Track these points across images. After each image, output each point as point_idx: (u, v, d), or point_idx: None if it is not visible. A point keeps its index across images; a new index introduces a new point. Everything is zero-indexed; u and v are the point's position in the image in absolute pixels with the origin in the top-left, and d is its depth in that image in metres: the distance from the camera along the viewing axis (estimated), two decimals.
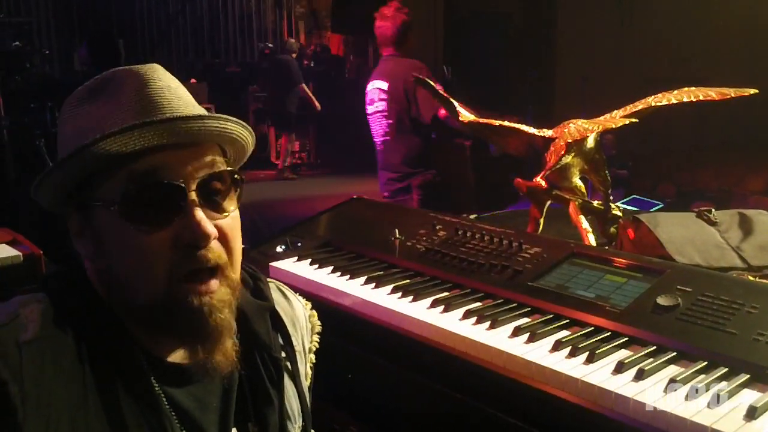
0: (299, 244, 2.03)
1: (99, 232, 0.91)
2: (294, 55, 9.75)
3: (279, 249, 2.01)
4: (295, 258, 1.94)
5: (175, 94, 0.94)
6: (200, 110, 0.94)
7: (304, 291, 1.25)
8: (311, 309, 1.20)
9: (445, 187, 3.86)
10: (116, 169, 0.88)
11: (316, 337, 1.18)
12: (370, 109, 3.91)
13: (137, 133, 0.86)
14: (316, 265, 1.87)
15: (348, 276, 1.78)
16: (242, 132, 0.98)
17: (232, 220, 0.95)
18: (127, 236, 0.88)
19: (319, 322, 1.20)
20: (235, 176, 0.96)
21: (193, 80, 9.77)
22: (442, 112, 3.53)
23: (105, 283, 0.92)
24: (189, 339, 0.91)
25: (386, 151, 3.90)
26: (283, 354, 1.07)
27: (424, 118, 3.71)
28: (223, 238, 0.92)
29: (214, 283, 0.90)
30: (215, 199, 0.93)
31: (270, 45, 11.04)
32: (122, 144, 0.86)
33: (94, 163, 0.88)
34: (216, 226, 0.91)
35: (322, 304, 1.26)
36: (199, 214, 0.89)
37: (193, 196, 0.89)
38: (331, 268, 1.84)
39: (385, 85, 3.83)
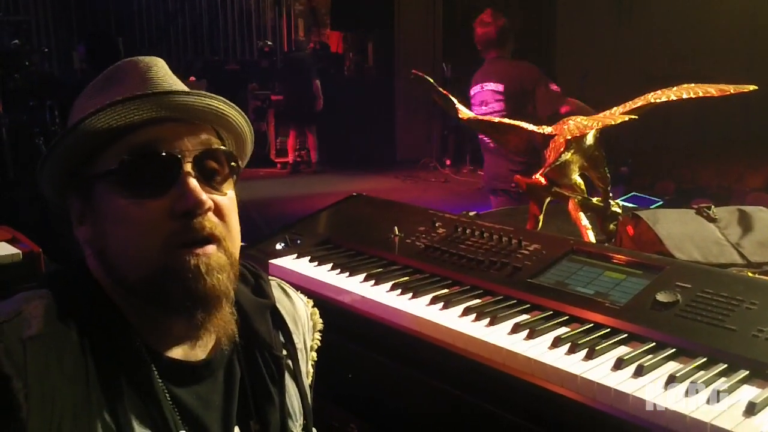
0: (298, 242, 2.03)
1: (96, 209, 0.91)
2: (308, 51, 9.86)
3: (278, 246, 2.01)
4: (295, 255, 1.94)
5: (176, 80, 0.97)
6: None
7: (303, 288, 1.25)
8: (313, 307, 1.20)
9: None
10: (114, 143, 0.89)
11: (317, 335, 1.18)
12: (483, 109, 4.05)
13: (137, 104, 0.88)
14: (316, 263, 1.87)
15: (347, 273, 1.78)
16: (239, 118, 0.99)
17: (229, 200, 0.95)
18: (123, 206, 0.89)
19: (321, 320, 1.20)
20: (232, 161, 0.96)
21: (192, 78, 9.76)
22: (564, 109, 3.68)
23: (104, 266, 0.92)
24: (188, 304, 0.89)
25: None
26: (285, 352, 1.07)
27: (540, 116, 3.79)
28: (220, 214, 0.93)
29: (210, 248, 0.90)
30: (211, 177, 0.93)
31: (269, 43, 11.02)
32: (120, 116, 0.88)
33: (92, 138, 0.89)
34: (212, 201, 0.91)
35: (322, 301, 1.26)
36: (194, 182, 0.90)
37: (189, 168, 0.90)
38: (331, 265, 1.84)
39: (500, 87, 4.02)
